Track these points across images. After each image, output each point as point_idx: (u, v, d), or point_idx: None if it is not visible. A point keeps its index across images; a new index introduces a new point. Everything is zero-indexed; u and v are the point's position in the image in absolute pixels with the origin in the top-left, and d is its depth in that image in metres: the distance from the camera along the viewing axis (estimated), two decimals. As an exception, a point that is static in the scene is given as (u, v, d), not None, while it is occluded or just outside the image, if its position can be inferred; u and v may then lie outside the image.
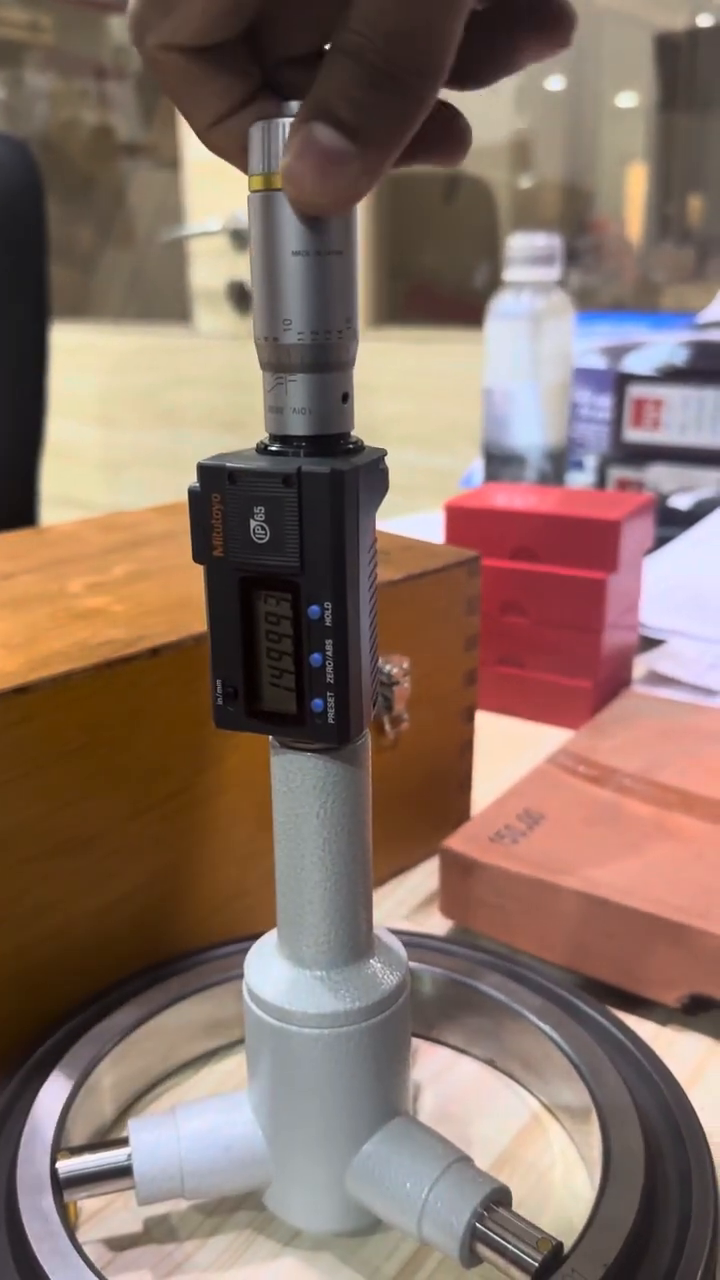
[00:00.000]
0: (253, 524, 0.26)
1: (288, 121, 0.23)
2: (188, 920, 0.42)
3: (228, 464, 0.26)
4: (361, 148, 0.22)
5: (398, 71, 0.22)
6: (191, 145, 1.85)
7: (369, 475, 0.26)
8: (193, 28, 0.23)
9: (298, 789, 0.29)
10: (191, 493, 0.27)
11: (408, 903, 0.49)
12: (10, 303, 1.16)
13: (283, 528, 0.26)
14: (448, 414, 1.57)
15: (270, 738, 0.29)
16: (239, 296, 1.85)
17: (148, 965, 0.39)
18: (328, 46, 0.22)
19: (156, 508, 0.62)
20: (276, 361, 0.25)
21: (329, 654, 0.27)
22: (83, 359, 2.05)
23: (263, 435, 0.27)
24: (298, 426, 0.26)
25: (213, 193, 1.85)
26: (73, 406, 1.92)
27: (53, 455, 1.24)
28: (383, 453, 0.27)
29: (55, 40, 2.53)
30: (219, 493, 0.26)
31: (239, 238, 1.81)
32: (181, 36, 0.23)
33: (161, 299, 2.23)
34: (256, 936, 0.40)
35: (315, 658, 0.27)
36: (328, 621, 0.26)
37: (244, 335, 1.88)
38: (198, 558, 0.27)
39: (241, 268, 1.84)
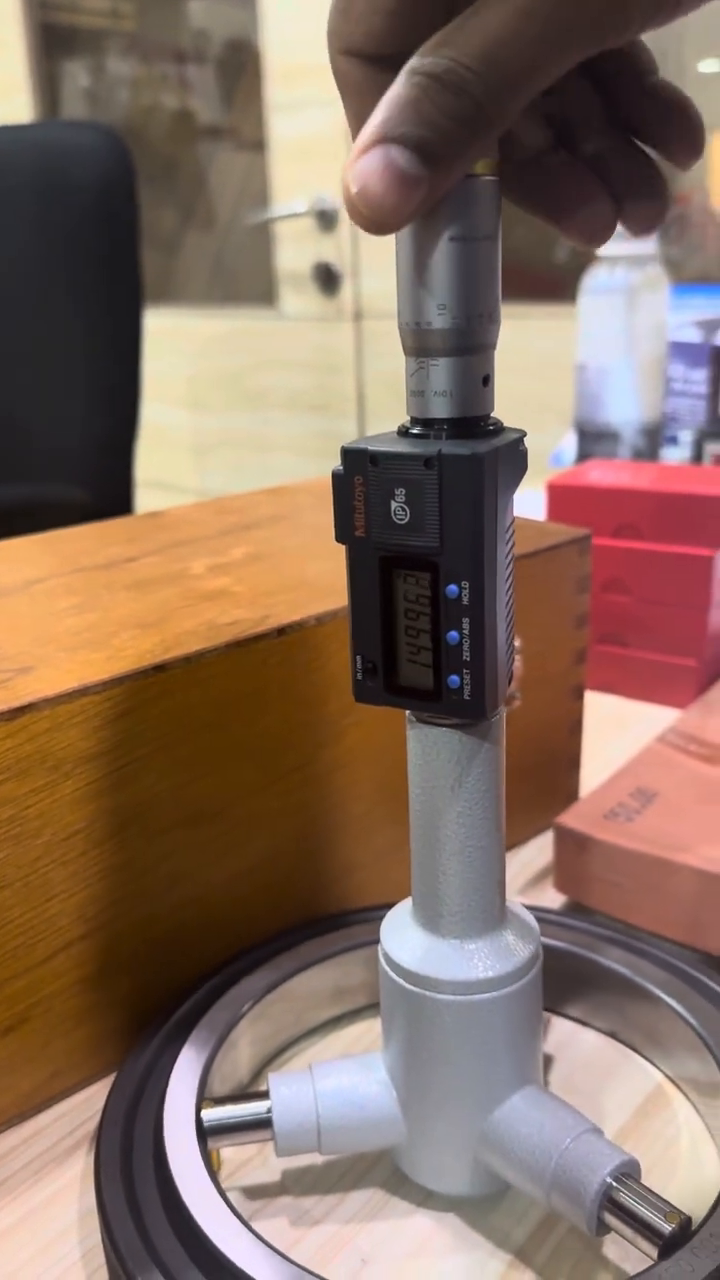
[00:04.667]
0: (394, 505, 0.27)
1: None
2: (309, 891, 0.43)
3: (370, 447, 0.27)
4: (433, 173, 0.22)
5: (487, 104, 0.22)
6: (278, 128, 1.86)
7: (508, 456, 0.27)
8: (364, 30, 0.24)
9: (434, 762, 0.29)
10: (335, 475, 0.27)
11: (521, 878, 0.49)
12: (107, 288, 1.19)
13: (423, 509, 0.27)
14: (534, 390, 1.55)
15: (407, 712, 0.30)
16: (325, 278, 1.86)
17: (275, 933, 0.41)
18: (409, 64, 0.22)
19: (262, 491, 0.63)
20: (420, 346, 0.26)
21: (465, 632, 0.27)
22: (169, 343, 2.08)
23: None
24: (439, 409, 0.26)
25: (298, 174, 1.85)
26: (160, 390, 1.95)
27: (141, 439, 1.26)
28: (522, 434, 0.27)
29: (135, 26, 2.55)
30: (361, 475, 0.27)
31: (324, 219, 1.82)
32: (357, 41, 0.24)
33: (244, 282, 2.25)
34: (375, 908, 0.41)
35: (452, 635, 0.27)
36: (465, 600, 0.27)
37: (330, 317, 1.89)
38: (340, 538, 0.28)
39: (327, 249, 1.84)
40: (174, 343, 2.11)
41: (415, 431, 0.27)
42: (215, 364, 2.13)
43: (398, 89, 0.22)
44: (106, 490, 1.23)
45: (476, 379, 0.26)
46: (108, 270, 1.19)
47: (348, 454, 0.27)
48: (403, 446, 0.26)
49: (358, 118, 0.25)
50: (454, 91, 0.22)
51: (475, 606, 0.27)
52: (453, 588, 0.27)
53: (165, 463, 2.21)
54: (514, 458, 0.27)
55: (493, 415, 0.27)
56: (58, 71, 2.47)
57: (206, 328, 2.13)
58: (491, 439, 0.27)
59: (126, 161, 1.19)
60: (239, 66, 2.16)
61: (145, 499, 1.36)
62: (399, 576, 0.28)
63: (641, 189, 0.27)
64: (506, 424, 0.28)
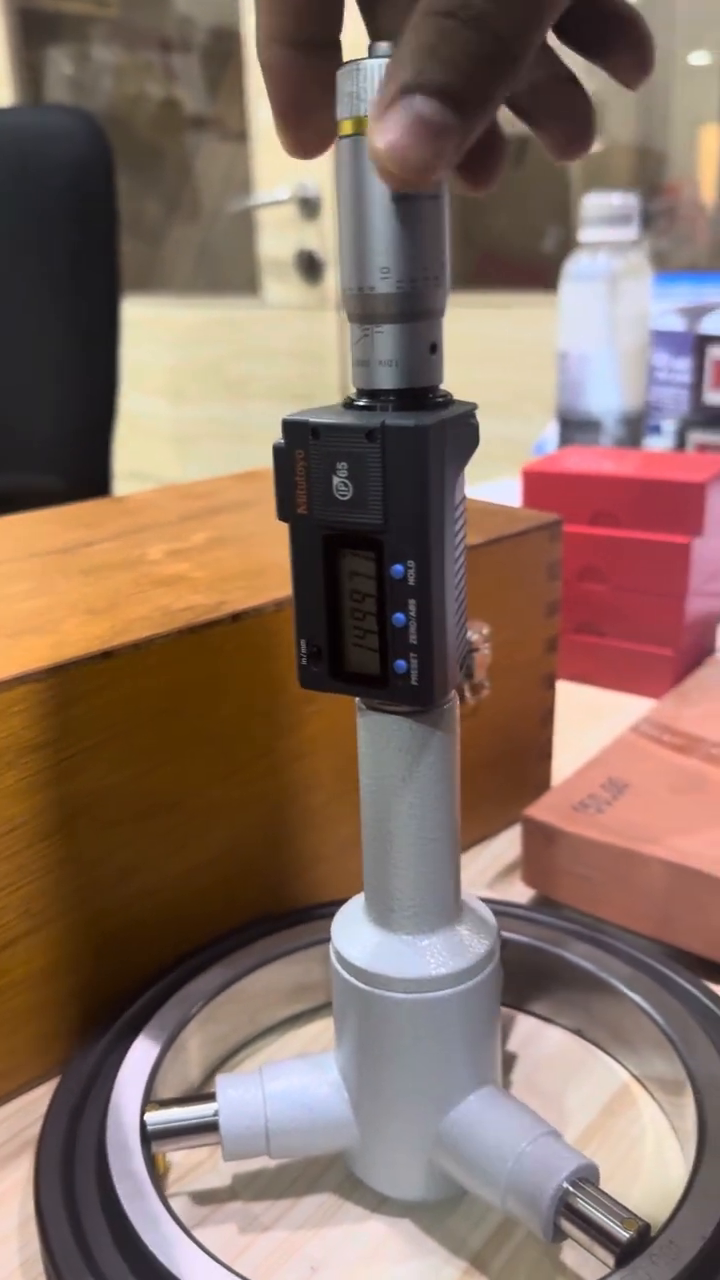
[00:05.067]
0: (335, 480, 0.26)
1: (378, 64, 0.23)
2: (268, 885, 0.42)
3: (311, 419, 0.25)
4: (461, 119, 0.21)
5: (509, 38, 0.20)
6: (260, 114, 1.84)
7: (456, 430, 0.25)
8: (291, 13, 0.24)
9: (383, 752, 0.28)
10: (276, 449, 0.26)
11: (489, 871, 0.48)
12: (82, 275, 1.17)
13: (366, 484, 0.25)
14: (519, 380, 1.54)
15: (357, 699, 0.29)
16: (307, 266, 1.84)
17: (232, 929, 0.39)
18: (421, 5, 0.21)
19: (231, 476, 0.62)
20: (364, 311, 0.25)
21: (412, 614, 0.26)
22: (151, 332, 2.06)
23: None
24: (385, 380, 0.25)
25: (281, 162, 1.83)
26: (141, 380, 1.93)
27: (122, 429, 1.25)
28: (473, 406, 0.26)
29: (120, 14, 2.53)
30: (302, 449, 0.26)
31: (307, 206, 1.80)
32: (287, 29, 0.24)
33: (228, 271, 2.23)
34: (337, 902, 0.40)
35: (398, 618, 0.26)
36: (411, 580, 0.26)
37: (313, 305, 1.87)
38: (282, 515, 0.27)
39: (310, 237, 1.83)
40: (154, 332, 2.09)
41: (360, 403, 0.26)
42: (197, 353, 2.12)
43: (413, 35, 0.21)
44: (84, 479, 1.22)
45: (423, 347, 0.25)
46: (85, 253, 1.17)
47: (289, 426, 0.26)
48: (346, 418, 0.25)
49: (290, 105, 0.25)
50: (474, 27, 0.20)
51: (422, 587, 0.26)
52: (398, 567, 0.26)
53: (145, 453, 2.19)
54: (463, 431, 0.26)
55: (442, 387, 0.26)
56: (41, 59, 2.44)
57: (188, 316, 2.11)
58: (439, 411, 0.25)
59: (103, 143, 1.17)
60: (224, 55, 2.14)
61: (126, 489, 1.34)
62: (343, 556, 0.26)
63: (565, 112, 0.27)
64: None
